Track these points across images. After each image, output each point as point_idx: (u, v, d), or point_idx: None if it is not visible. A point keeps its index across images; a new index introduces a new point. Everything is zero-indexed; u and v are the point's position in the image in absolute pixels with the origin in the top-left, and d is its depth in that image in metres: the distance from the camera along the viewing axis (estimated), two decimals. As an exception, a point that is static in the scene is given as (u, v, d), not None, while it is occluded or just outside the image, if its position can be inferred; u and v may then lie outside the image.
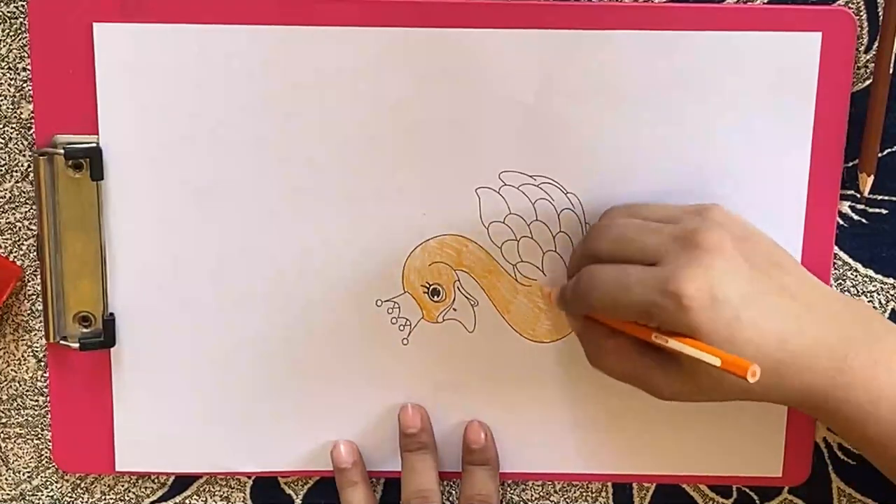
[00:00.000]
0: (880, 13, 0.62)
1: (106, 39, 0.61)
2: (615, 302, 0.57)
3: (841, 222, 0.65)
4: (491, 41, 0.61)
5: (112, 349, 0.65)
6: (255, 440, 0.67)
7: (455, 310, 0.65)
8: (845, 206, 0.64)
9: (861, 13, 0.62)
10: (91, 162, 0.62)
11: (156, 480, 0.68)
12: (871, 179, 0.63)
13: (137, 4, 0.61)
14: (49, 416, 0.67)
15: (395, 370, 0.66)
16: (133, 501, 0.68)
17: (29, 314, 0.65)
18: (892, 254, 0.65)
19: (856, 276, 0.65)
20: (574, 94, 0.62)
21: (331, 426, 0.66)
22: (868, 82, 0.62)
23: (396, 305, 0.65)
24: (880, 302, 0.66)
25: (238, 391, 0.66)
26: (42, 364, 0.66)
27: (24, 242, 0.65)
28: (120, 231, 0.64)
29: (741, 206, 0.61)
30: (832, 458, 0.68)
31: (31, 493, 0.68)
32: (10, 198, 0.64)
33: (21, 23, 0.62)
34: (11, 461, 0.68)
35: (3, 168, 0.64)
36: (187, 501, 0.68)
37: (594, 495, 0.68)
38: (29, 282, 0.65)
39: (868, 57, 0.62)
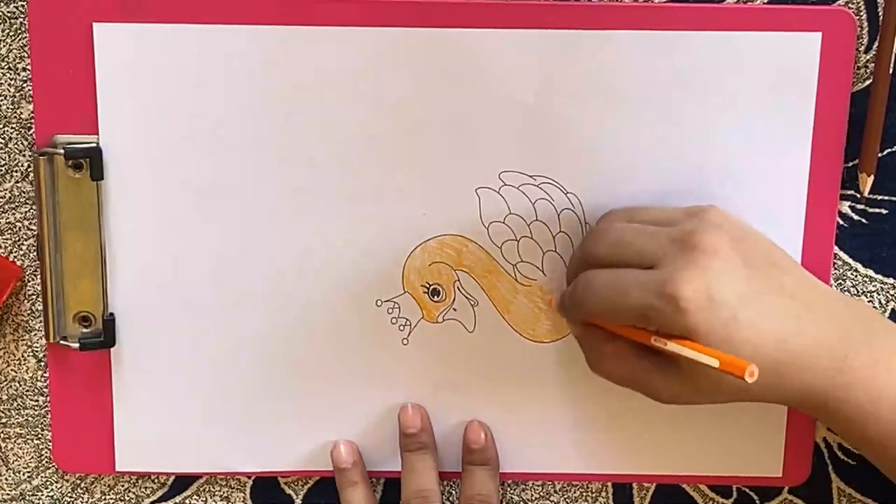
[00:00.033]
0: (880, 13, 0.62)
1: (106, 39, 0.61)
2: (612, 307, 0.57)
3: (841, 222, 0.65)
4: (491, 41, 0.61)
5: (112, 349, 0.65)
6: (255, 440, 0.67)
7: (455, 310, 0.65)
8: (845, 206, 0.64)
9: (861, 13, 0.62)
10: (91, 162, 0.62)
11: (156, 480, 0.68)
12: (871, 179, 0.63)
13: (137, 4, 0.61)
14: (49, 416, 0.67)
15: (395, 370, 0.66)
16: (133, 501, 0.68)
17: (29, 314, 0.65)
18: (892, 254, 0.65)
19: (856, 276, 0.65)
20: (574, 94, 0.62)
21: (331, 426, 0.66)
22: (868, 82, 0.62)
23: (396, 305, 0.65)
24: (880, 302, 0.66)
25: (238, 391, 0.66)
26: (42, 364, 0.66)
27: (24, 242, 0.65)
28: (120, 231, 0.64)
29: (741, 206, 0.61)
30: (832, 458, 0.68)
31: (31, 493, 0.68)
32: (10, 198, 0.64)
33: (21, 23, 0.62)
34: (11, 461, 0.68)
35: (3, 168, 0.64)
36: (187, 501, 0.68)
37: (594, 495, 0.68)
38: (29, 282, 0.65)
39: (868, 57, 0.62)
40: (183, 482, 0.68)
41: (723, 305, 0.55)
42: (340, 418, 0.66)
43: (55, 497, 0.68)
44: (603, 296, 0.57)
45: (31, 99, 0.62)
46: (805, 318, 0.57)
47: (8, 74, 0.62)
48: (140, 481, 0.68)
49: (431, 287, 0.65)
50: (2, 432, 0.67)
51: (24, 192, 0.64)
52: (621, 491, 0.68)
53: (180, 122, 0.62)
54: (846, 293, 0.65)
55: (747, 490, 0.69)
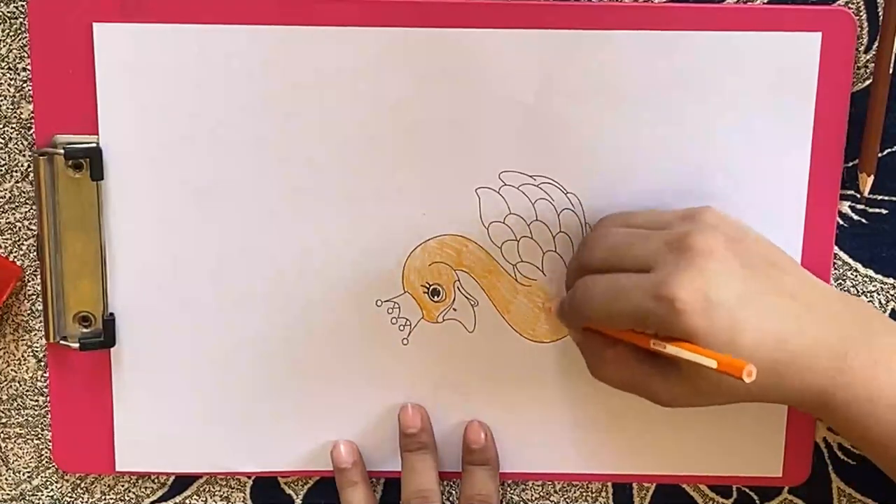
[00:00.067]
0: (880, 13, 0.62)
1: (106, 39, 0.61)
2: (610, 312, 0.57)
3: (841, 222, 0.65)
4: (491, 41, 0.61)
5: (112, 349, 0.65)
6: (255, 440, 0.67)
7: (455, 310, 0.65)
8: (845, 206, 0.64)
9: (861, 13, 0.62)
10: (91, 162, 0.62)
11: (156, 480, 0.68)
12: (871, 179, 0.63)
13: (137, 4, 0.61)
14: (49, 416, 0.67)
15: (395, 370, 0.66)
16: (133, 501, 0.68)
17: (29, 314, 0.65)
18: (892, 254, 0.65)
19: (856, 276, 0.65)
20: (574, 94, 0.62)
21: (331, 426, 0.66)
22: (868, 82, 0.62)
23: (396, 305, 0.65)
24: (880, 302, 0.66)
25: (238, 391, 0.66)
26: (42, 364, 0.66)
27: (24, 242, 0.65)
28: (120, 231, 0.64)
29: (741, 206, 0.61)
30: (832, 458, 0.68)
31: (31, 493, 0.68)
32: (10, 198, 0.64)
33: (21, 23, 0.62)
34: (11, 461, 0.68)
35: (3, 168, 0.64)
36: (187, 501, 0.68)
37: (594, 495, 0.68)
38: (29, 282, 0.65)
39: (868, 57, 0.62)
40: (183, 482, 0.68)
41: (720, 306, 0.55)
42: (340, 418, 0.66)
43: (55, 497, 0.68)
44: (600, 301, 0.57)
45: (31, 99, 0.62)
46: (805, 317, 0.57)
47: (8, 74, 0.62)
48: (140, 481, 0.68)
49: (431, 287, 0.65)
50: (2, 432, 0.67)
51: (24, 192, 0.64)
52: (621, 491, 0.68)
53: (180, 122, 0.62)
54: (846, 293, 0.65)
55: (747, 490, 0.69)
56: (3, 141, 0.63)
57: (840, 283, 0.65)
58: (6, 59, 0.62)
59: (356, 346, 0.65)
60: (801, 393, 0.57)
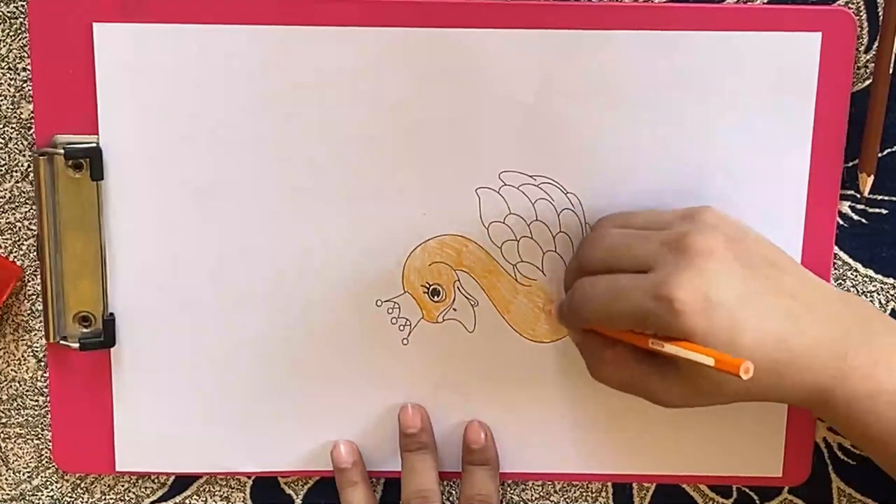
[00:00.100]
0: (880, 13, 0.62)
1: (106, 39, 0.61)
2: (609, 312, 0.57)
3: (841, 222, 0.65)
4: (491, 41, 0.61)
5: (112, 349, 0.65)
6: (255, 440, 0.67)
7: (455, 310, 0.65)
8: (845, 206, 0.64)
9: (861, 13, 0.62)
10: (91, 162, 0.62)
11: (156, 480, 0.68)
12: (871, 179, 0.63)
13: (137, 4, 0.61)
14: (49, 416, 0.67)
15: (395, 370, 0.66)
16: (133, 501, 0.68)
17: (29, 314, 0.65)
18: (892, 254, 0.65)
19: (856, 276, 0.65)
20: (574, 94, 0.62)
21: (331, 426, 0.66)
22: (868, 82, 0.62)
23: (396, 305, 0.65)
24: (880, 302, 0.66)
25: (238, 391, 0.66)
26: (42, 364, 0.66)
27: (24, 242, 0.65)
28: (120, 231, 0.64)
29: (741, 207, 0.61)
30: (832, 458, 0.68)
31: (31, 493, 0.68)
32: (10, 198, 0.64)
33: (21, 23, 0.62)
34: (11, 461, 0.68)
35: (3, 168, 0.64)
36: (187, 501, 0.68)
37: (594, 495, 0.68)
38: (29, 282, 0.65)
39: (868, 57, 0.62)
40: (183, 482, 0.68)
41: (720, 306, 0.55)
42: (340, 418, 0.66)
43: (55, 497, 0.68)
44: (599, 302, 0.57)
45: (31, 99, 0.62)
46: (805, 317, 0.57)
47: (8, 74, 0.62)
48: (140, 481, 0.68)
49: (431, 287, 0.65)
50: (2, 432, 0.67)
51: (24, 192, 0.64)
52: (621, 491, 0.68)
53: (180, 122, 0.62)
54: (846, 293, 0.65)
55: (747, 490, 0.69)
56: (3, 141, 0.63)
57: (840, 283, 0.65)
58: (6, 59, 0.62)
59: (356, 346, 0.65)
60: (801, 392, 0.57)
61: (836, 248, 0.65)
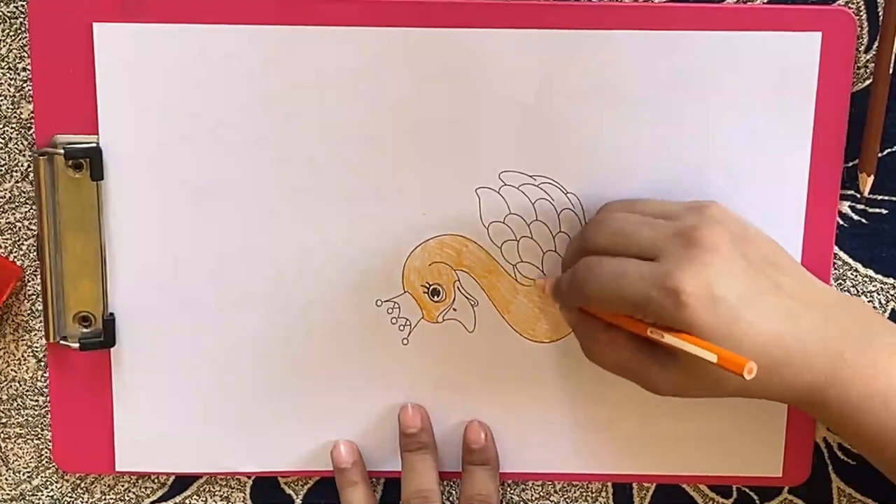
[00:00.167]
0: (880, 13, 0.62)
1: (106, 39, 0.61)
2: (612, 294, 0.57)
3: (841, 222, 0.65)
4: (491, 41, 0.61)
5: (112, 349, 0.65)
6: (255, 440, 0.67)
7: (455, 310, 0.65)
8: (845, 206, 0.64)
9: (861, 13, 0.62)
10: (91, 162, 0.62)
11: (156, 480, 0.68)
12: (871, 179, 0.63)
13: (137, 4, 0.61)
14: (49, 416, 0.67)
15: (395, 370, 0.66)
16: (133, 501, 0.68)
17: (29, 314, 0.65)
18: (892, 254, 0.65)
19: (856, 276, 0.65)
20: (574, 94, 0.62)
21: (331, 426, 0.66)
22: (868, 82, 0.62)
23: (396, 305, 0.65)
24: (880, 302, 0.66)
25: (238, 391, 0.66)
26: (42, 364, 0.66)
27: (24, 242, 0.65)
28: (120, 231, 0.64)
29: (741, 206, 0.61)
30: (832, 458, 0.68)
31: (31, 493, 0.68)
32: (10, 198, 0.64)
33: (21, 23, 0.62)
34: (11, 461, 0.68)
35: (3, 168, 0.64)
36: (187, 501, 0.68)
37: (594, 495, 0.68)
38: (29, 282, 0.65)
39: (868, 57, 0.62)
40: (183, 482, 0.68)
41: (723, 303, 0.55)
42: (340, 418, 0.66)
43: (55, 497, 0.68)
44: (604, 282, 0.57)
45: (31, 99, 0.62)
46: (804, 317, 0.57)
47: (8, 74, 0.62)
48: (140, 481, 0.68)
49: (431, 287, 0.65)
50: (2, 432, 0.67)
51: (24, 192, 0.64)
52: (621, 491, 0.68)
53: (180, 122, 0.62)
54: (846, 293, 0.65)
55: (747, 490, 0.69)
56: (3, 141, 0.63)
57: (840, 283, 0.65)
58: (6, 59, 0.62)
59: (356, 346, 0.65)
60: (798, 391, 0.57)
61: (836, 248, 0.65)
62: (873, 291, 0.65)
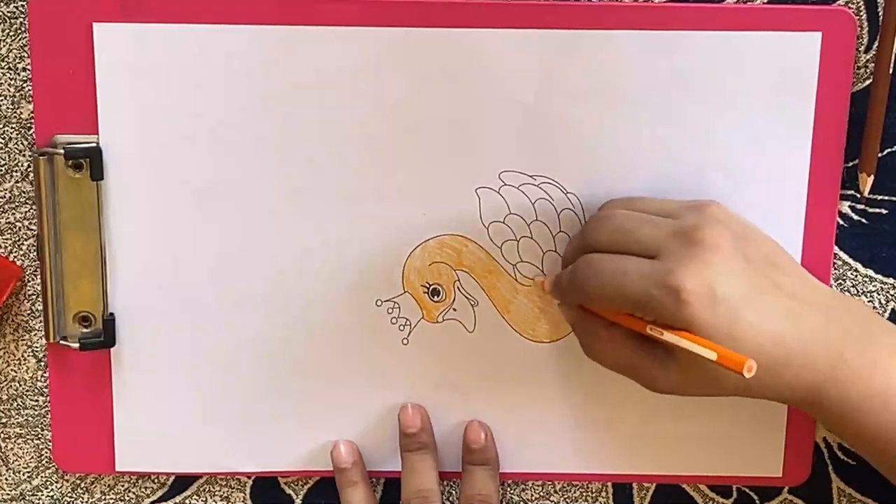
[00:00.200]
0: (880, 13, 0.62)
1: (106, 39, 0.61)
2: (612, 291, 0.57)
3: (841, 222, 0.65)
4: (491, 41, 0.61)
5: (112, 349, 0.65)
6: (255, 440, 0.67)
7: (455, 310, 0.65)
8: (845, 206, 0.64)
9: (861, 13, 0.62)
10: (91, 162, 0.62)
11: (156, 480, 0.68)
12: (871, 179, 0.63)
13: (137, 4, 0.61)
14: (49, 416, 0.67)
15: (395, 370, 0.66)
16: (133, 501, 0.68)
17: (29, 314, 0.65)
18: (892, 254, 0.65)
19: (856, 276, 0.65)
20: (574, 94, 0.62)
21: (331, 426, 0.66)
22: (868, 82, 0.62)
23: (396, 305, 0.65)
24: (880, 302, 0.66)
25: (238, 391, 0.66)
26: (42, 364, 0.66)
27: (24, 242, 0.65)
28: (120, 231, 0.64)
29: (741, 206, 0.61)
30: (832, 458, 0.68)
31: (31, 493, 0.68)
32: (10, 198, 0.64)
33: (21, 23, 0.62)
34: (11, 461, 0.68)
35: (3, 168, 0.64)
36: (187, 501, 0.68)
37: (594, 495, 0.68)
38: (29, 282, 0.65)
39: (868, 57, 0.62)
40: (183, 482, 0.68)
41: (724, 302, 0.55)
42: (340, 418, 0.66)
43: (55, 497, 0.68)
44: (604, 279, 0.57)
45: (31, 99, 0.62)
46: (803, 317, 0.57)
47: (8, 74, 0.62)
48: (140, 481, 0.68)
49: (431, 287, 0.65)
50: (2, 432, 0.67)
51: (24, 192, 0.64)
52: (621, 491, 0.68)
53: (180, 122, 0.62)
54: (846, 293, 0.65)
55: (747, 490, 0.69)
56: (3, 141, 0.63)
57: (840, 283, 0.65)
58: (6, 59, 0.62)
59: (356, 346, 0.65)
60: (798, 391, 0.57)
61: (836, 248, 0.65)
62: (873, 291, 0.65)
